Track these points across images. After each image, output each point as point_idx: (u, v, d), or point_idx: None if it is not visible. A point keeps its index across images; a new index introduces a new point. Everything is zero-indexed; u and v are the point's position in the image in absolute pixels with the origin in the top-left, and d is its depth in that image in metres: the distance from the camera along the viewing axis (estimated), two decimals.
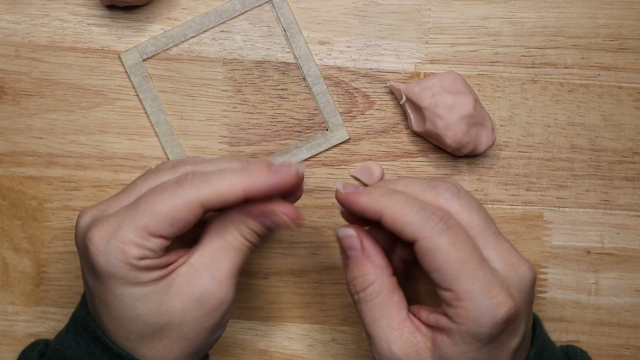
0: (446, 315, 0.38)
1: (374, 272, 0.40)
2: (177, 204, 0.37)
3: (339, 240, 0.41)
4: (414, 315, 0.40)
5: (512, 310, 0.37)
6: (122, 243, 0.37)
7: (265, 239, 0.44)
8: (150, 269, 0.38)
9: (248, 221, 0.40)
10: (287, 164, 0.39)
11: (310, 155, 0.48)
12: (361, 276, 0.40)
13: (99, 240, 0.38)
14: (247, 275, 0.48)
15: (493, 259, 0.39)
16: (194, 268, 0.39)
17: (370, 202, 0.39)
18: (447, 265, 0.37)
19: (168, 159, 0.48)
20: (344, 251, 0.41)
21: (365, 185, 0.48)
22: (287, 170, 0.39)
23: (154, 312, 0.38)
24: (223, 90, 0.48)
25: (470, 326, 0.37)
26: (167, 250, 0.39)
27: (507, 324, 0.38)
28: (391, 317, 0.39)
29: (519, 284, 0.39)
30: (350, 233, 0.41)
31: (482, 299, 0.37)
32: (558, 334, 0.49)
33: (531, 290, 0.40)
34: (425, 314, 0.40)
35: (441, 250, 0.37)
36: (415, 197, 0.39)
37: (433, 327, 0.39)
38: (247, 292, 0.49)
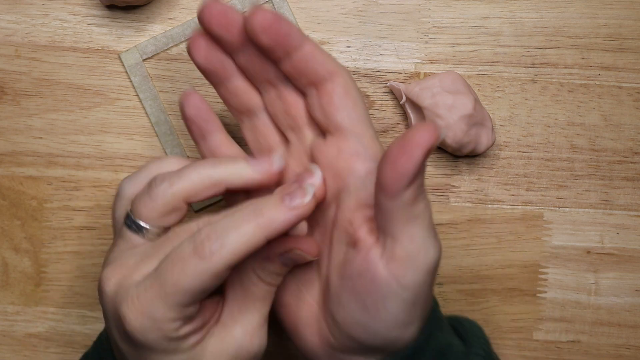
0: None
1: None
2: (205, 279, 0.35)
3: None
4: None
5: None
6: (158, 322, 0.36)
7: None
8: (188, 336, 0.37)
9: (267, 265, 0.38)
10: (301, 190, 0.36)
11: None
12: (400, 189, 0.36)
13: (133, 319, 0.36)
14: None
15: None
16: (225, 325, 0.38)
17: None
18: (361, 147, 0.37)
19: None
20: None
21: None
22: (302, 199, 0.36)
23: None
24: None
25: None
26: (201, 307, 0.38)
27: None
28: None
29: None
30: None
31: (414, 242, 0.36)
32: (558, 334, 0.49)
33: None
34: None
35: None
36: None
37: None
38: None
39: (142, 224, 0.39)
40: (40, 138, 0.48)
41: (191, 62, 0.48)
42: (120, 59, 0.48)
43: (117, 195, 0.41)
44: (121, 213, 0.40)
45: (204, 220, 0.38)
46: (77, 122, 0.48)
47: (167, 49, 0.48)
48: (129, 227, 0.39)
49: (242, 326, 0.38)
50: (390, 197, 0.34)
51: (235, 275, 0.38)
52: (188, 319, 0.36)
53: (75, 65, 0.48)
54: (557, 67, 0.49)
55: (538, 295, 0.49)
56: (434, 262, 0.36)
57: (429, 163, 0.49)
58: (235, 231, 0.35)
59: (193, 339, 0.37)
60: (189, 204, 0.39)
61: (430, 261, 0.35)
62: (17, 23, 0.48)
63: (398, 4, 0.49)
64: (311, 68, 0.38)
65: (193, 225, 0.38)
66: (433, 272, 0.36)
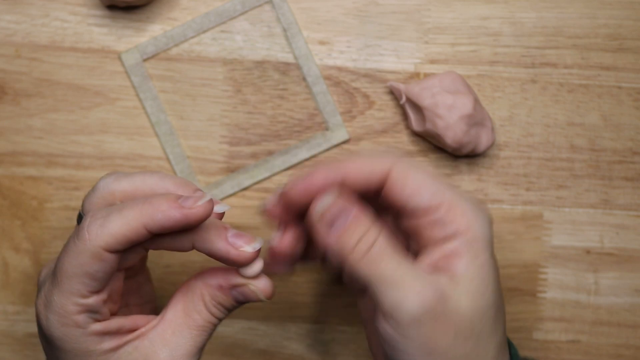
0: (443, 238, 0.37)
1: (374, 221, 0.37)
2: (83, 261, 0.35)
3: (327, 212, 0.37)
4: None
5: (490, 218, 0.39)
6: (58, 316, 0.35)
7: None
8: (100, 335, 0.36)
9: (217, 294, 0.37)
10: (196, 198, 0.35)
11: (310, 155, 0.48)
12: (369, 226, 0.36)
13: (40, 316, 0.36)
14: None
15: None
16: (153, 343, 0.37)
17: (330, 170, 0.37)
18: (427, 179, 0.37)
19: (168, 159, 0.48)
20: (336, 220, 0.36)
21: None
22: (194, 202, 0.35)
23: None
24: (223, 90, 0.49)
25: (476, 229, 0.37)
26: (117, 313, 0.37)
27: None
28: (407, 258, 0.36)
29: (489, 223, 0.39)
30: (334, 194, 0.37)
31: (469, 202, 0.37)
32: (558, 334, 0.49)
33: (491, 231, 0.40)
34: (420, 259, 0.38)
35: (414, 168, 0.37)
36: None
37: (442, 260, 0.36)
38: None
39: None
40: (41, 138, 0.48)
41: (191, 62, 0.49)
42: (120, 59, 0.48)
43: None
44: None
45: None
46: (77, 122, 0.48)
47: (167, 49, 0.48)
48: (78, 223, 0.39)
49: (171, 350, 0.37)
50: None
51: (180, 298, 0.38)
52: (93, 313, 0.36)
53: (75, 65, 0.48)
54: (557, 67, 0.49)
55: (538, 295, 0.49)
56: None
57: (429, 163, 0.49)
58: (118, 214, 0.35)
59: (106, 344, 0.36)
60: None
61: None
62: (17, 23, 0.48)
63: (398, 4, 0.49)
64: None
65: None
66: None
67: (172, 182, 0.38)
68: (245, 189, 0.48)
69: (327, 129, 0.48)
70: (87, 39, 0.48)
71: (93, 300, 0.36)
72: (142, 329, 0.37)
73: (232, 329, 0.49)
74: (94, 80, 0.48)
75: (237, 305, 0.38)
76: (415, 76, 0.49)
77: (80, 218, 0.39)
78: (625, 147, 0.49)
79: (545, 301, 0.49)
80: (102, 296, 0.36)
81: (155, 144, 0.48)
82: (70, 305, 0.35)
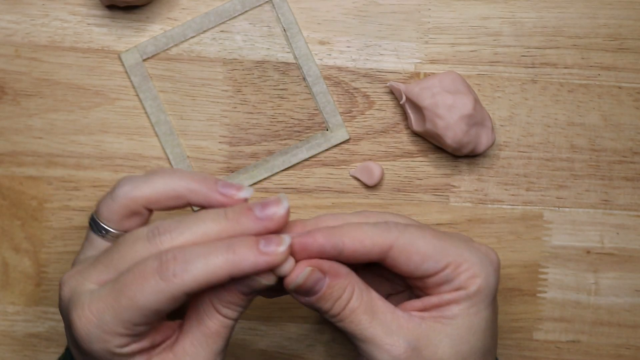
0: (449, 290, 0.38)
1: (349, 282, 0.38)
2: (161, 299, 0.35)
3: (301, 286, 0.37)
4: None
5: (498, 256, 0.39)
6: (104, 333, 0.36)
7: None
8: (134, 355, 0.36)
9: (225, 295, 0.37)
10: (278, 239, 0.36)
11: (310, 156, 0.48)
12: (342, 294, 0.38)
13: (81, 327, 0.36)
14: None
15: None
16: (176, 355, 0.37)
17: (329, 236, 0.37)
18: (431, 245, 0.37)
19: (168, 159, 0.48)
20: (310, 291, 0.38)
21: (366, 185, 0.48)
22: (277, 247, 0.36)
23: None
24: (223, 90, 0.49)
25: (480, 282, 0.37)
26: (152, 328, 0.37)
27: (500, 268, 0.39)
28: (383, 312, 0.38)
29: (494, 270, 0.40)
30: (306, 272, 0.37)
31: (475, 256, 0.38)
32: (558, 334, 0.49)
33: (499, 271, 0.41)
34: (413, 303, 0.39)
35: (417, 237, 0.37)
36: (366, 223, 0.38)
37: (435, 307, 0.38)
38: None
39: (103, 225, 0.39)
40: (40, 138, 0.48)
41: (191, 62, 0.49)
42: (120, 59, 0.48)
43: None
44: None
45: (158, 225, 0.37)
46: (77, 122, 0.48)
47: (167, 49, 0.48)
48: (92, 228, 0.39)
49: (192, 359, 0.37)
50: None
51: (193, 307, 0.38)
52: (137, 338, 0.36)
53: (75, 65, 0.48)
54: (557, 67, 0.49)
55: (538, 295, 0.49)
56: None
57: (429, 163, 0.49)
58: (203, 259, 0.35)
59: (138, 359, 0.37)
60: (151, 211, 0.39)
61: None
62: (17, 23, 0.48)
63: (398, 4, 0.49)
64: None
65: (144, 230, 0.37)
66: None
67: (192, 180, 0.38)
68: None
69: (327, 129, 0.48)
70: (86, 39, 0.48)
71: (143, 329, 0.36)
72: (169, 341, 0.38)
73: None
74: (93, 80, 0.48)
75: (246, 300, 0.37)
76: (415, 76, 0.49)
77: (96, 223, 0.39)
78: (625, 147, 0.49)
79: (545, 301, 0.49)
80: (151, 326, 0.36)
81: (155, 144, 0.48)
82: (120, 329, 0.35)
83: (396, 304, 0.40)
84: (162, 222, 0.37)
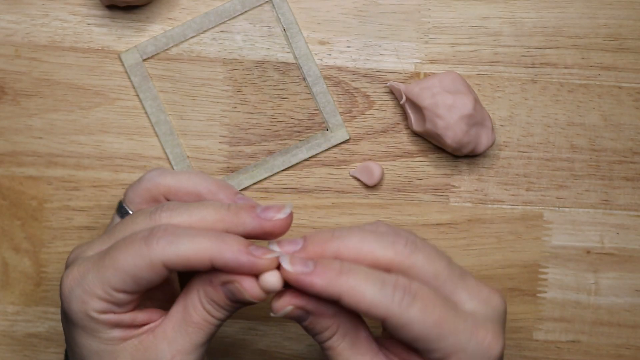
0: None
1: (332, 324, 0.37)
2: (140, 264, 0.35)
3: (285, 316, 0.37)
4: (387, 349, 0.39)
5: (502, 348, 0.37)
6: (84, 293, 0.36)
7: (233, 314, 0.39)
8: (112, 326, 0.37)
9: (209, 290, 0.37)
10: (268, 250, 0.36)
11: (310, 156, 0.48)
12: (323, 331, 0.37)
13: (66, 285, 0.37)
14: None
15: (465, 300, 0.37)
16: (156, 337, 0.37)
17: (327, 285, 0.35)
18: (426, 331, 0.35)
19: (168, 159, 0.48)
20: (294, 320, 0.38)
21: (366, 185, 0.48)
22: (264, 254, 0.36)
23: None
24: (223, 90, 0.49)
25: None
26: (136, 307, 0.38)
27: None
28: (363, 354, 0.38)
29: (497, 318, 0.38)
30: (287, 310, 0.37)
31: (472, 346, 0.36)
32: (558, 334, 0.49)
33: (505, 319, 0.39)
34: (402, 353, 0.38)
35: (415, 321, 0.35)
36: (372, 270, 0.36)
37: None
38: None
39: (125, 207, 0.41)
40: (40, 138, 0.48)
41: (191, 62, 0.49)
42: (120, 59, 0.48)
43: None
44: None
45: (162, 204, 0.38)
46: (77, 122, 0.48)
47: (167, 49, 0.48)
48: (117, 212, 0.41)
49: (169, 344, 0.37)
50: None
51: (182, 294, 0.38)
52: (115, 307, 0.37)
53: (75, 65, 0.48)
54: (557, 67, 0.49)
55: (538, 295, 0.49)
56: None
57: (429, 163, 0.49)
58: (190, 237, 0.35)
59: (116, 333, 0.37)
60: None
61: None
62: (17, 23, 0.48)
63: (398, 4, 0.49)
64: None
65: (149, 208, 0.38)
66: None
67: (215, 183, 0.40)
68: (245, 189, 0.48)
69: (327, 129, 0.48)
70: (86, 39, 0.48)
71: (122, 297, 0.36)
72: (152, 324, 0.38)
73: (232, 329, 0.49)
74: (93, 80, 0.48)
75: (231, 304, 0.37)
76: (415, 76, 0.49)
77: (121, 207, 0.41)
78: (625, 147, 0.49)
79: (545, 301, 0.49)
80: (131, 297, 0.37)
81: (155, 144, 0.48)
82: (99, 290, 0.36)
83: (387, 339, 0.39)
84: (167, 202, 0.38)
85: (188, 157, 0.48)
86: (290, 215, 0.37)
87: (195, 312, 0.37)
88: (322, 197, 0.49)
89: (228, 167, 0.48)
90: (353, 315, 0.38)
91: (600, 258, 0.49)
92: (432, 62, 0.49)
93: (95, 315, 0.36)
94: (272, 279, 0.36)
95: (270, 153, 0.49)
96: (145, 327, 0.38)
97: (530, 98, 0.49)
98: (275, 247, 0.37)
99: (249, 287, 0.36)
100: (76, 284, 0.37)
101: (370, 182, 0.48)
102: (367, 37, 0.49)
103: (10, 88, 0.48)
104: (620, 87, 0.49)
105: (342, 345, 0.37)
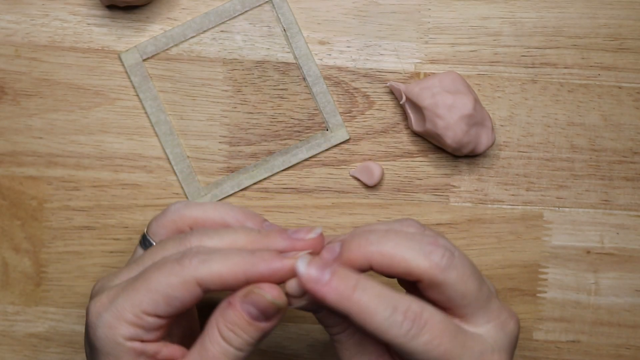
0: None
1: (343, 320, 0.37)
2: (174, 283, 0.35)
3: (299, 308, 0.37)
4: (395, 352, 0.38)
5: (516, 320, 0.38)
6: (113, 318, 0.36)
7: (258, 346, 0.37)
8: (137, 355, 0.36)
9: (229, 314, 0.35)
10: (297, 254, 0.36)
11: (310, 156, 0.48)
12: (334, 326, 0.38)
13: (93, 312, 0.36)
14: None
15: (481, 322, 0.37)
16: None
17: (339, 301, 0.35)
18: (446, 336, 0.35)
19: (168, 159, 0.48)
20: (307, 311, 0.38)
21: (366, 185, 0.48)
22: (296, 260, 0.35)
23: None
24: (223, 90, 0.49)
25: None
26: (162, 338, 0.37)
27: None
28: (369, 353, 0.38)
29: (507, 343, 0.38)
30: (302, 304, 0.36)
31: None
32: (558, 334, 0.49)
33: (516, 344, 0.39)
34: None
35: (420, 352, 0.35)
36: (387, 291, 0.35)
37: None
38: None
39: (149, 239, 0.40)
40: (40, 138, 0.48)
41: (191, 62, 0.49)
42: (120, 59, 0.48)
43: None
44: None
45: (191, 231, 0.38)
46: (77, 122, 0.48)
47: (167, 49, 0.48)
48: (141, 244, 0.41)
49: None
50: None
51: (201, 334, 0.37)
52: (143, 332, 0.36)
53: (75, 65, 0.48)
54: (557, 67, 0.49)
55: (538, 295, 0.49)
56: None
57: (429, 163, 0.49)
58: (222, 255, 0.35)
59: None
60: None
61: None
62: (17, 23, 0.48)
63: (398, 4, 0.49)
64: None
65: (178, 235, 0.38)
66: None
67: (242, 212, 0.40)
68: (245, 189, 0.48)
69: (327, 129, 0.48)
70: (86, 39, 0.48)
71: (152, 321, 0.36)
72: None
73: None
74: (93, 80, 0.48)
75: (252, 325, 0.36)
76: (415, 76, 0.49)
77: (145, 239, 0.41)
78: (625, 147, 0.49)
79: (545, 301, 0.49)
80: (161, 323, 0.36)
81: (155, 144, 0.48)
82: (129, 314, 0.36)
83: None
84: (195, 230, 0.38)
85: (188, 157, 0.48)
86: (321, 235, 0.37)
87: (213, 344, 0.35)
88: (322, 197, 0.49)
89: (228, 167, 0.48)
90: None
91: (600, 258, 0.49)
92: (432, 62, 0.49)
93: (122, 341, 0.36)
94: (294, 286, 0.36)
95: (270, 153, 0.48)
96: None
97: (530, 98, 0.49)
98: (300, 261, 0.36)
99: (269, 289, 0.35)
100: (104, 309, 0.36)
101: (370, 182, 0.48)
102: (367, 37, 0.49)
103: (10, 88, 0.48)
104: (620, 87, 0.49)
105: (350, 341, 0.38)
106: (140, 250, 0.41)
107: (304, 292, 0.36)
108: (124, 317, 0.36)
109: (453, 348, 0.36)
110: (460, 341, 0.36)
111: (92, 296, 0.38)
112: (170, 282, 0.35)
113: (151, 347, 0.36)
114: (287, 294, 0.36)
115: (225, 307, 0.36)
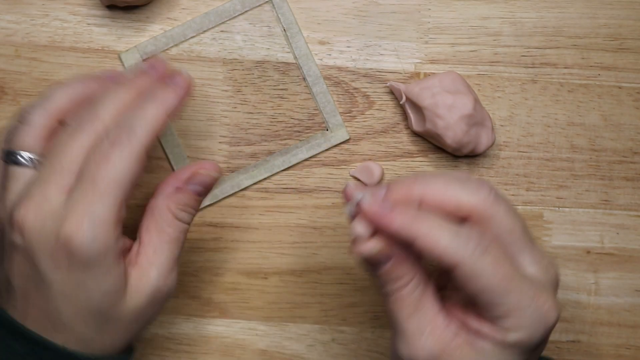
0: (491, 323, 0.37)
1: (408, 273, 0.37)
2: (131, 164, 0.37)
3: (366, 259, 0.37)
4: (446, 310, 0.39)
5: (558, 318, 0.38)
6: (103, 225, 0.37)
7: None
8: (120, 253, 0.38)
9: (179, 197, 0.40)
10: (175, 76, 0.40)
11: (310, 156, 0.48)
12: (397, 280, 0.38)
13: (80, 232, 0.36)
14: (247, 275, 0.48)
15: (528, 263, 0.38)
16: (142, 266, 0.39)
17: (405, 225, 0.36)
18: (494, 284, 0.36)
19: (168, 159, 0.48)
20: (373, 266, 0.38)
21: (366, 185, 0.48)
22: (180, 79, 0.40)
23: (110, 304, 0.38)
24: (223, 90, 0.49)
25: (522, 336, 0.36)
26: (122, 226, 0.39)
27: (553, 328, 0.38)
28: (426, 311, 0.38)
29: (553, 287, 0.38)
30: (375, 249, 0.37)
31: (532, 309, 0.36)
32: (558, 334, 0.49)
33: (556, 292, 0.39)
34: (459, 313, 0.38)
35: (486, 272, 0.36)
36: (446, 221, 0.36)
37: (472, 331, 0.37)
38: (247, 292, 0.48)
39: (26, 155, 0.39)
40: None
41: (191, 62, 0.49)
42: (120, 59, 0.48)
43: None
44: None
45: (73, 116, 0.39)
46: None
47: (167, 49, 0.48)
48: (10, 162, 0.39)
49: (157, 268, 0.39)
50: None
51: (149, 219, 0.40)
52: (119, 226, 0.37)
53: (75, 65, 0.48)
54: (557, 67, 0.49)
55: None
56: None
57: (429, 163, 0.49)
58: (140, 113, 0.38)
59: (122, 266, 0.38)
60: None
61: None
62: (17, 23, 0.48)
63: (398, 4, 0.49)
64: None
65: (68, 129, 0.39)
66: None
67: (101, 75, 0.42)
68: (245, 189, 0.48)
69: (327, 129, 0.48)
70: (87, 39, 0.48)
71: (123, 210, 0.38)
72: (130, 256, 0.40)
73: (232, 329, 0.49)
74: None
75: (200, 200, 0.41)
76: (415, 76, 0.49)
77: (11, 156, 0.39)
78: (625, 147, 0.49)
79: None
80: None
81: (155, 143, 0.48)
82: (112, 213, 0.37)
83: (450, 295, 0.39)
84: (93, 104, 0.39)
85: (188, 157, 0.48)
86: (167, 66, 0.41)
87: (171, 227, 0.40)
88: (322, 197, 0.49)
89: (228, 167, 0.48)
90: (425, 273, 0.38)
91: (600, 258, 0.49)
92: (432, 62, 0.49)
93: (113, 243, 0.37)
94: (360, 226, 0.37)
95: (271, 153, 0.48)
96: (128, 258, 0.39)
97: (530, 98, 0.49)
98: (358, 194, 0.37)
99: (209, 167, 0.41)
100: (92, 223, 0.36)
101: (370, 182, 0.48)
102: (367, 37, 0.49)
103: (10, 88, 0.48)
104: (620, 87, 0.49)
105: (412, 296, 0.38)
106: (16, 170, 0.39)
107: (371, 233, 0.37)
108: (109, 217, 0.37)
109: (513, 272, 0.36)
110: (517, 269, 0.37)
111: (54, 224, 0.37)
112: (129, 165, 0.37)
113: (120, 243, 0.38)
114: (355, 243, 0.37)
115: (173, 193, 0.40)
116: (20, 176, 0.39)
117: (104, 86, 0.40)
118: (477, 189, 0.37)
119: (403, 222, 0.36)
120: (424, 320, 0.38)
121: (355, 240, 0.37)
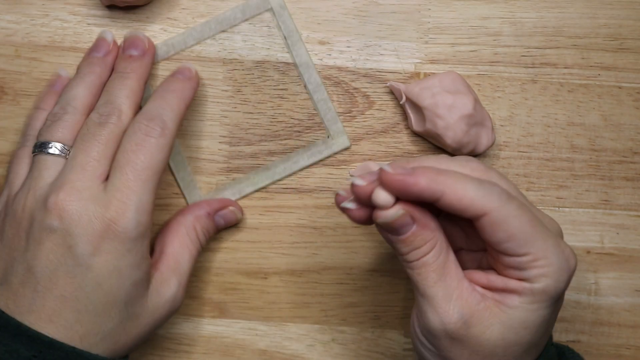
0: (517, 277, 0.37)
1: (432, 237, 0.38)
2: (166, 152, 0.41)
3: (389, 224, 0.38)
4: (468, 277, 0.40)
5: (576, 263, 0.39)
6: (145, 207, 0.40)
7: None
8: (148, 249, 0.42)
9: (206, 222, 0.46)
10: (182, 69, 0.46)
11: (311, 163, 0.48)
12: (422, 245, 0.38)
13: (125, 215, 0.40)
14: (247, 275, 0.49)
15: (540, 218, 0.39)
16: (162, 273, 0.43)
17: (430, 182, 0.36)
18: (522, 229, 0.37)
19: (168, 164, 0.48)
20: (395, 231, 0.38)
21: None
22: (189, 70, 0.45)
23: (136, 297, 0.41)
24: (223, 90, 0.49)
25: (549, 283, 0.37)
26: None
27: (573, 275, 0.39)
28: (451, 277, 0.38)
29: (567, 277, 0.39)
30: (399, 213, 0.37)
31: (557, 254, 0.37)
32: (558, 334, 0.49)
33: (570, 281, 0.40)
34: (480, 276, 0.39)
35: (514, 216, 0.36)
36: (467, 176, 0.37)
37: (498, 290, 0.38)
38: (247, 292, 0.49)
39: (64, 147, 0.42)
40: None
41: (191, 62, 0.48)
42: None
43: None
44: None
45: (97, 109, 0.43)
46: None
47: (167, 57, 0.48)
48: (49, 153, 0.42)
49: (177, 278, 0.43)
50: None
51: (176, 232, 0.45)
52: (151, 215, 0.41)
53: (75, 65, 0.48)
54: (557, 67, 0.49)
55: None
56: None
57: None
58: (165, 105, 0.42)
59: (149, 262, 0.42)
60: None
61: None
62: (17, 23, 0.48)
63: (398, 4, 0.49)
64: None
65: (93, 118, 0.42)
66: None
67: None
68: (246, 195, 0.48)
69: (328, 136, 0.48)
70: (87, 39, 0.48)
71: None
72: (152, 259, 0.43)
73: (232, 329, 0.49)
74: None
75: (217, 231, 0.47)
76: (415, 76, 0.49)
77: (45, 148, 0.42)
78: (625, 147, 0.49)
79: None
80: None
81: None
82: (151, 196, 0.41)
83: (465, 262, 0.40)
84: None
85: (188, 157, 0.48)
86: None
87: (194, 244, 0.45)
88: (322, 197, 0.49)
89: (228, 167, 0.48)
90: (446, 239, 0.39)
91: (600, 258, 0.49)
92: (432, 62, 0.49)
93: (149, 232, 0.41)
94: (383, 194, 0.37)
95: (270, 153, 0.48)
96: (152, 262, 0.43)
97: (530, 98, 0.49)
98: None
99: (238, 208, 0.47)
100: (136, 207, 0.40)
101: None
102: (367, 37, 0.49)
103: (10, 88, 0.48)
104: (620, 87, 0.49)
105: (436, 262, 0.38)
106: (53, 160, 0.42)
107: (393, 201, 0.37)
108: (150, 200, 0.40)
109: (536, 219, 0.38)
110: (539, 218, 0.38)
111: (96, 208, 0.40)
112: (165, 154, 0.41)
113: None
114: (376, 211, 0.37)
115: (203, 216, 0.46)
116: (53, 165, 0.41)
117: (109, 69, 0.45)
118: (490, 190, 0.37)
119: (428, 179, 0.36)
120: (451, 285, 0.38)
121: (377, 214, 0.38)
